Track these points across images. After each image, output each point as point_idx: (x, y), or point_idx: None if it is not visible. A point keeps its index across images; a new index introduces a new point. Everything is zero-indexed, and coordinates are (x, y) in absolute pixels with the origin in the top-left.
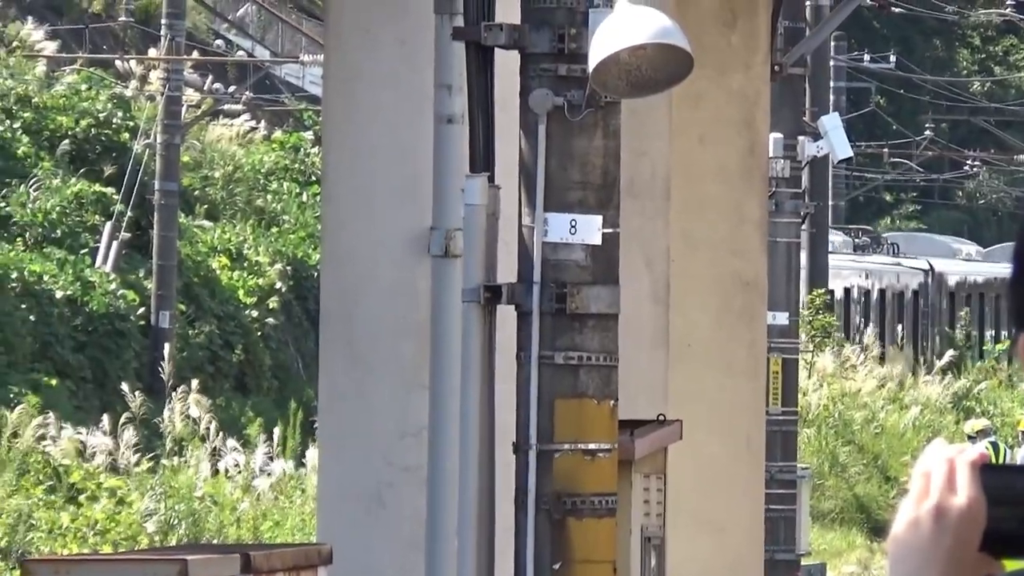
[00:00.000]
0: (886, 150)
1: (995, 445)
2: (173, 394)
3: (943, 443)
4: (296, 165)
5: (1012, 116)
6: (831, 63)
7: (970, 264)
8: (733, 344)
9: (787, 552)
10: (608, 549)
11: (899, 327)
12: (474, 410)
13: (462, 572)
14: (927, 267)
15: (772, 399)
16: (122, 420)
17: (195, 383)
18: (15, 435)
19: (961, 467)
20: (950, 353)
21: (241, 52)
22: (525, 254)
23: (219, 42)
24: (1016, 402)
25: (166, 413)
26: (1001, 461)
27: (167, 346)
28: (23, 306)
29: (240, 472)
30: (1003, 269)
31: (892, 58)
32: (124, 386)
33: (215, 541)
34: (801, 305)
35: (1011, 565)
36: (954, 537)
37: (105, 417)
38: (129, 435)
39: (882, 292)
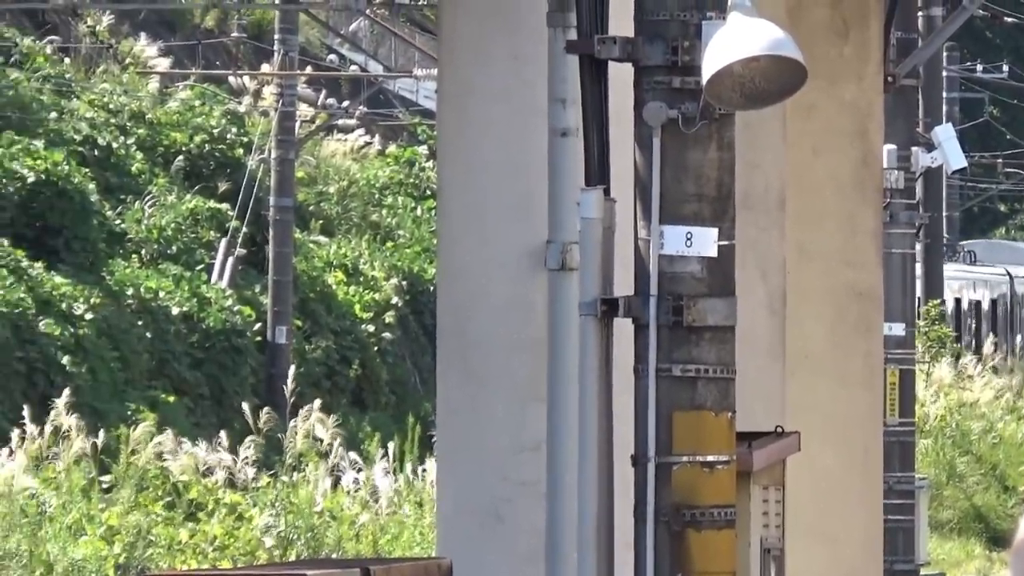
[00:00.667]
0: (1000, 160)
1: None
2: (299, 411)
3: None
4: (410, 179)
5: None
6: (944, 74)
7: None
8: (849, 355)
9: (906, 562)
10: (727, 561)
11: (1019, 337)
12: (592, 423)
13: None
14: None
15: (889, 410)
16: (242, 437)
17: (318, 401)
18: (133, 452)
19: None
20: None
21: (355, 67)
22: (641, 267)
23: (332, 57)
24: None
25: (288, 429)
26: None
27: (289, 363)
28: (139, 323)
29: (358, 488)
30: None
31: (1005, 68)
32: (243, 403)
33: (334, 555)
34: (917, 316)
35: None
36: None
37: (223, 433)
38: (247, 451)
39: (994, 302)
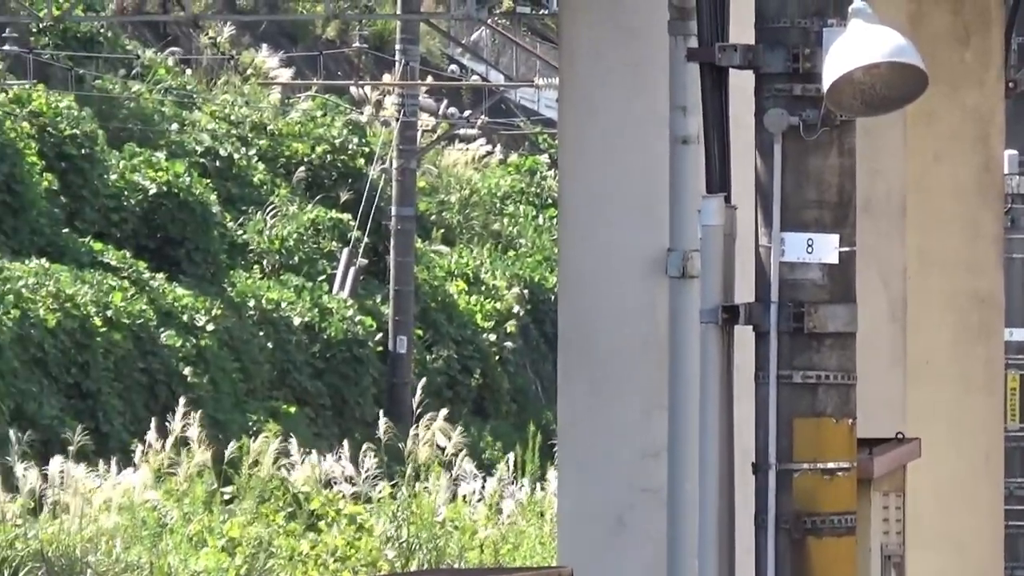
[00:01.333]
0: None
1: None
2: (420, 421)
3: None
4: (532, 188)
5: None
6: None
7: None
8: (970, 361)
9: None
10: (848, 568)
11: None
12: (713, 430)
13: None
14: None
15: (1011, 415)
16: (363, 447)
17: (443, 411)
18: (255, 463)
19: None
20: None
21: (476, 76)
22: (762, 274)
23: (453, 67)
24: None
25: (410, 440)
26: None
27: (410, 373)
28: (261, 333)
29: (479, 497)
30: None
31: None
32: (366, 413)
33: (456, 566)
34: None
35: None
36: None
37: (344, 443)
38: (369, 462)
39: None
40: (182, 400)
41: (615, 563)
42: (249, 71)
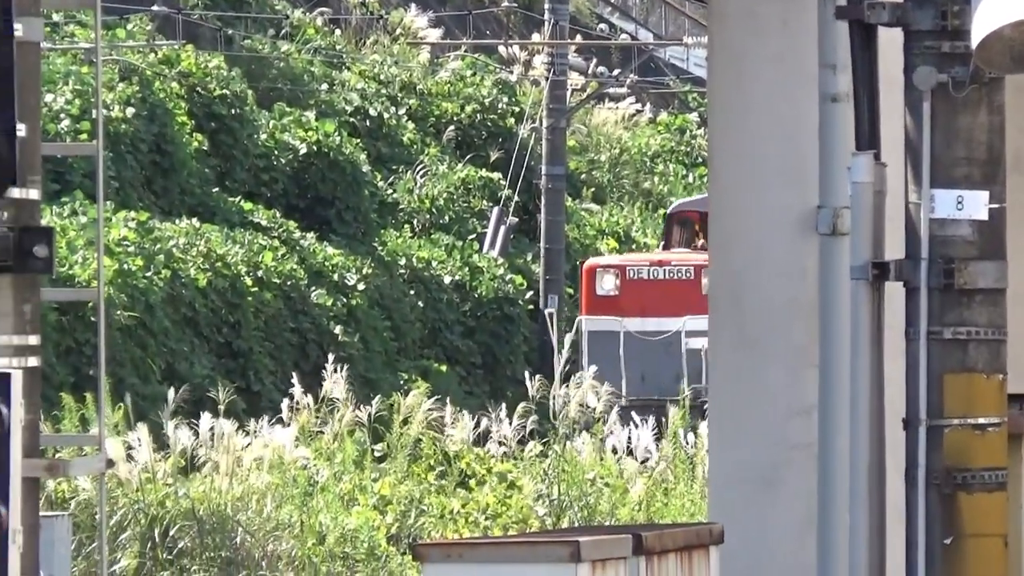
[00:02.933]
0: None
1: None
2: (571, 379)
3: None
4: (682, 147)
5: None
6: None
7: None
8: None
9: None
10: (999, 523)
11: None
12: (864, 387)
13: (854, 548)
14: None
15: None
16: (515, 405)
17: (592, 368)
18: (406, 422)
19: None
20: None
21: (625, 35)
22: (912, 230)
23: (602, 26)
24: None
25: (560, 398)
26: None
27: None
28: (412, 292)
29: (629, 452)
30: None
31: None
32: (516, 371)
33: (607, 523)
34: None
35: None
36: None
37: (495, 402)
38: (520, 420)
39: None
40: (332, 359)
41: (765, 519)
42: (398, 31)
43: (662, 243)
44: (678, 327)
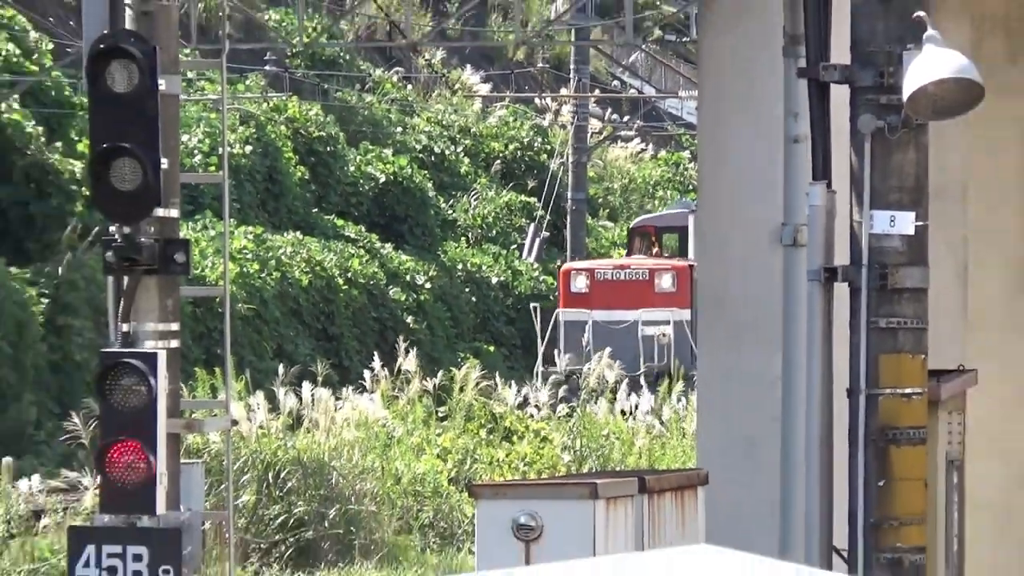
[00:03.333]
0: None
1: None
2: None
3: None
4: (677, 178)
5: None
6: None
7: None
8: (1019, 311)
9: None
10: (920, 470)
11: None
12: (817, 366)
13: (809, 490)
14: None
15: None
16: (546, 377)
17: (607, 349)
18: (462, 389)
19: None
20: None
21: (633, 90)
22: (855, 243)
23: (616, 82)
24: None
25: (585, 371)
26: None
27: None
28: (467, 290)
29: (633, 413)
30: None
31: None
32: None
33: (618, 468)
34: None
35: None
36: None
37: (531, 375)
38: (550, 389)
39: None
40: (404, 342)
41: (740, 468)
42: (456, 86)
43: (626, 251)
44: (636, 317)
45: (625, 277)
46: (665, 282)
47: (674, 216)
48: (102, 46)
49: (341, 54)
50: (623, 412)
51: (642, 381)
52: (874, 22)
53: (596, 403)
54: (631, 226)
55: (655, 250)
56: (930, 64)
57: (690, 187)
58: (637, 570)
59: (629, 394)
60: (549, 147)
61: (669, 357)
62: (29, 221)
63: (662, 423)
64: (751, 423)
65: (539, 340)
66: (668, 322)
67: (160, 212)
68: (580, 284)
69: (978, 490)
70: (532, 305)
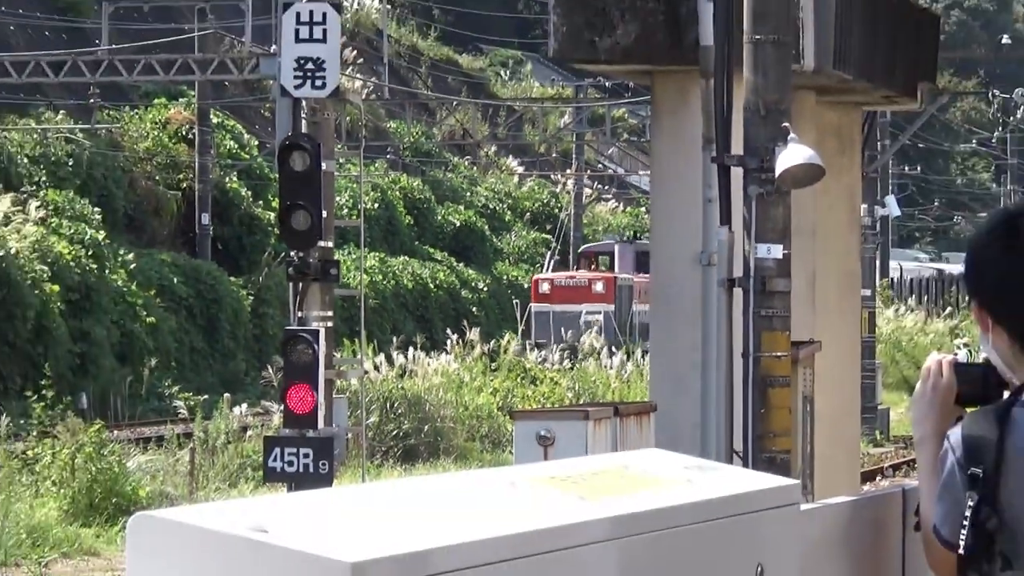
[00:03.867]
0: (916, 211)
1: (968, 351)
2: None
3: (935, 352)
4: (637, 224)
5: None
6: (889, 171)
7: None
8: (845, 304)
9: (871, 403)
10: (787, 402)
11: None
12: (724, 338)
13: (718, 415)
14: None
15: (864, 330)
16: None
17: (596, 327)
18: (505, 352)
19: (944, 363)
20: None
21: (611, 170)
22: (746, 263)
23: (600, 165)
24: None
25: (584, 339)
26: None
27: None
28: (509, 292)
29: (615, 367)
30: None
31: (918, 167)
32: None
33: (601, 400)
34: (878, 286)
35: (969, 409)
36: (941, 398)
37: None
38: (561, 353)
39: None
40: (469, 323)
41: (678, 401)
42: (503, 167)
43: (576, 266)
44: (580, 310)
45: (573, 283)
46: (599, 287)
47: (606, 246)
48: (287, 142)
49: (433, 148)
50: (604, 366)
51: (614, 349)
52: (757, 129)
53: (587, 361)
54: (579, 251)
55: (593, 267)
56: (791, 154)
57: (645, 229)
58: (610, 463)
59: (611, 355)
60: (559, 205)
61: (602, 334)
62: (241, 249)
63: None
64: (682, 372)
65: (519, 323)
66: (600, 313)
67: (321, 243)
68: (545, 288)
69: (821, 414)
70: (515, 301)
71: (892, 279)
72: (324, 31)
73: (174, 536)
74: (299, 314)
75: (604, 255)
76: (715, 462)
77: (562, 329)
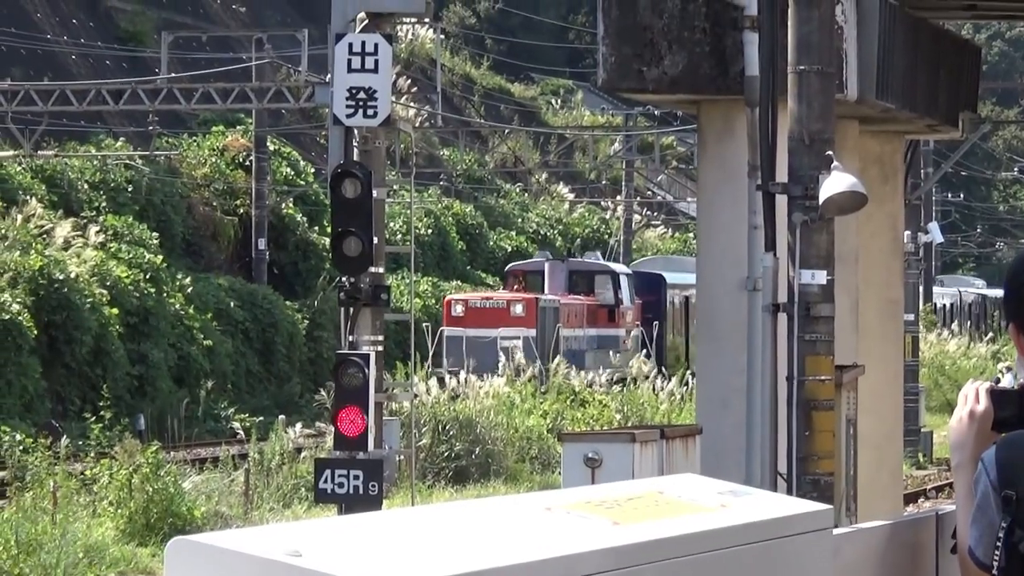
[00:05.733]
0: (959, 238)
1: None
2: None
3: (972, 380)
4: (685, 249)
5: None
6: (932, 198)
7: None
8: (887, 329)
9: (914, 426)
10: (830, 425)
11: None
12: (768, 362)
13: (762, 438)
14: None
15: (907, 355)
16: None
17: (643, 351)
18: (554, 375)
19: (981, 390)
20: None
21: (659, 196)
22: (791, 289)
23: (649, 192)
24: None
25: (633, 363)
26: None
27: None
28: None
29: (662, 390)
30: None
31: (960, 195)
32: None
33: (648, 423)
34: (920, 311)
35: (1004, 435)
36: (979, 424)
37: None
38: (608, 376)
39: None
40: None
41: (724, 424)
42: (554, 193)
43: (504, 286)
44: (496, 334)
45: (490, 305)
46: (518, 310)
47: (535, 263)
48: (339, 170)
49: (485, 175)
50: (654, 389)
51: (664, 370)
52: (801, 157)
53: (637, 385)
54: (505, 270)
55: (519, 287)
56: (835, 182)
57: (692, 253)
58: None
59: (658, 378)
60: (609, 231)
61: (520, 362)
62: (297, 274)
63: (680, 397)
64: (728, 395)
65: (429, 348)
66: (519, 338)
67: (373, 269)
68: (458, 310)
69: (864, 437)
70: (424, 324)
71: (947, 305)
72: (376, 61)
73: (211, 560)
74: (350, 338)
75: (533, 274)
76: (749, 487)
77: (474, 356)
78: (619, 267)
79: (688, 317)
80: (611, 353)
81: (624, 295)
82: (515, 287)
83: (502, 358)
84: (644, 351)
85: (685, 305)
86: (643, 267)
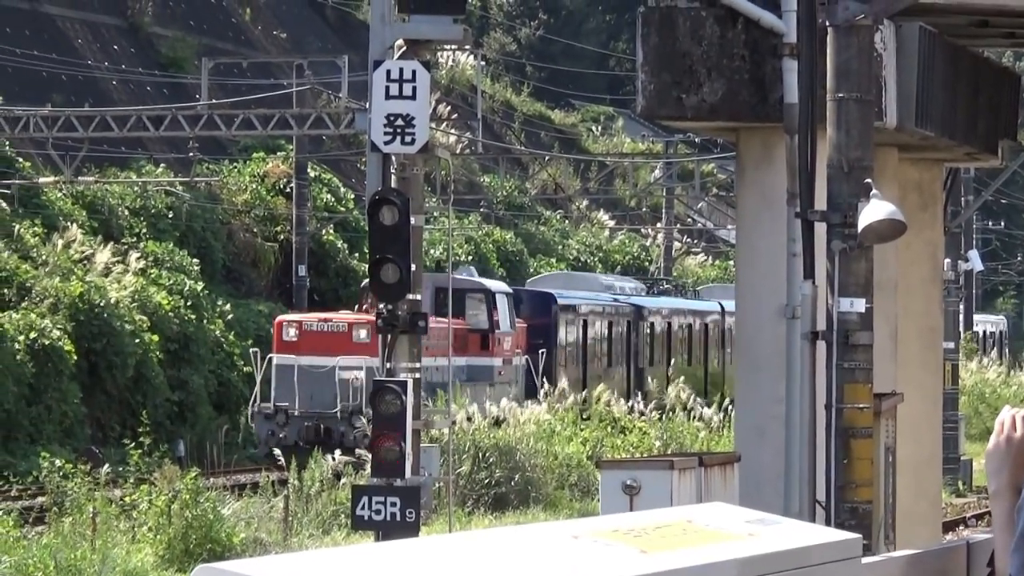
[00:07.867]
0: (999, 266)
1: None
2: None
3: (1009, 406)
4: (725, 276)
5: None
6: (973, 225)
7: None
8: (927, 357)
9: (954, 454)
10: (869, 453)
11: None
12: (807, 390)
13: (800, 466)
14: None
15: (947, 383)
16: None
17: (681, 378)
18: (597, 401)
19: (1018, 418)
20: None
21: (699, 224)
22: (829, 317)
23: (690, 219)
24: None
25: (671, 389)
26: None
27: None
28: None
29: (700, 417)
30: None
31: (1001, 223)
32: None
33: (687, 451)
34: (961, 338)
35: None
36: (1016, 451)
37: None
38: (648, 403)
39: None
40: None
41: (762, 452)
42: (595, 220)
43: (357, 305)
44: (334, 363)
45: (328, 328)
46: (362, 335)
47: None
48: (377, 196)
49: (526, 202)
50: (692, 417)
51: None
52: (840, 185)
53: (675, 413)
54: (360, 286)
55: (368, 307)
56: (874, 210)
57: (731, 280)
58: (674, 517)
59: (702, 406)
60: (649, 258)
61: (361, 398)
62: (337, 300)
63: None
64: (766, 422)
65: (257, 380)
66: (361, 368)
67: (410, 296)
68: (291, 334)
69: (903, 465)
70: (252, 350)
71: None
72: (414, 88)
73: None
74: (387, 365)
75: None
76: (778, 516)
77: (307, 389)
78: (496, 285)
79: (586, 342)
80: (486, 387)
81: (502, 318)
82: (366, 307)
83: (339, 391)
84: (525, 382)
85: (583, 328)
86: (539, 285)
